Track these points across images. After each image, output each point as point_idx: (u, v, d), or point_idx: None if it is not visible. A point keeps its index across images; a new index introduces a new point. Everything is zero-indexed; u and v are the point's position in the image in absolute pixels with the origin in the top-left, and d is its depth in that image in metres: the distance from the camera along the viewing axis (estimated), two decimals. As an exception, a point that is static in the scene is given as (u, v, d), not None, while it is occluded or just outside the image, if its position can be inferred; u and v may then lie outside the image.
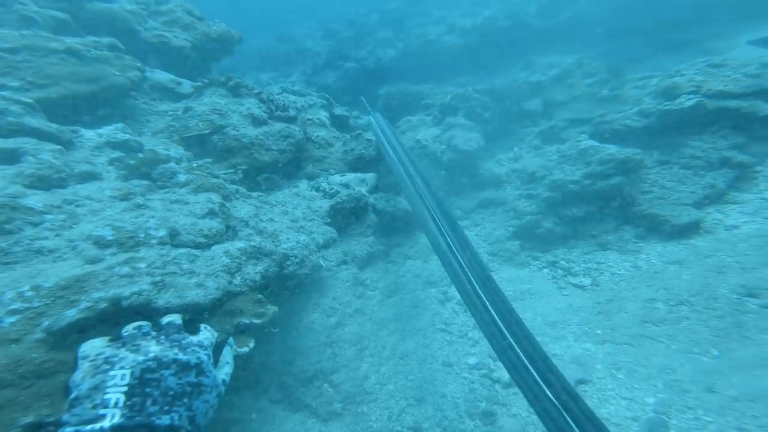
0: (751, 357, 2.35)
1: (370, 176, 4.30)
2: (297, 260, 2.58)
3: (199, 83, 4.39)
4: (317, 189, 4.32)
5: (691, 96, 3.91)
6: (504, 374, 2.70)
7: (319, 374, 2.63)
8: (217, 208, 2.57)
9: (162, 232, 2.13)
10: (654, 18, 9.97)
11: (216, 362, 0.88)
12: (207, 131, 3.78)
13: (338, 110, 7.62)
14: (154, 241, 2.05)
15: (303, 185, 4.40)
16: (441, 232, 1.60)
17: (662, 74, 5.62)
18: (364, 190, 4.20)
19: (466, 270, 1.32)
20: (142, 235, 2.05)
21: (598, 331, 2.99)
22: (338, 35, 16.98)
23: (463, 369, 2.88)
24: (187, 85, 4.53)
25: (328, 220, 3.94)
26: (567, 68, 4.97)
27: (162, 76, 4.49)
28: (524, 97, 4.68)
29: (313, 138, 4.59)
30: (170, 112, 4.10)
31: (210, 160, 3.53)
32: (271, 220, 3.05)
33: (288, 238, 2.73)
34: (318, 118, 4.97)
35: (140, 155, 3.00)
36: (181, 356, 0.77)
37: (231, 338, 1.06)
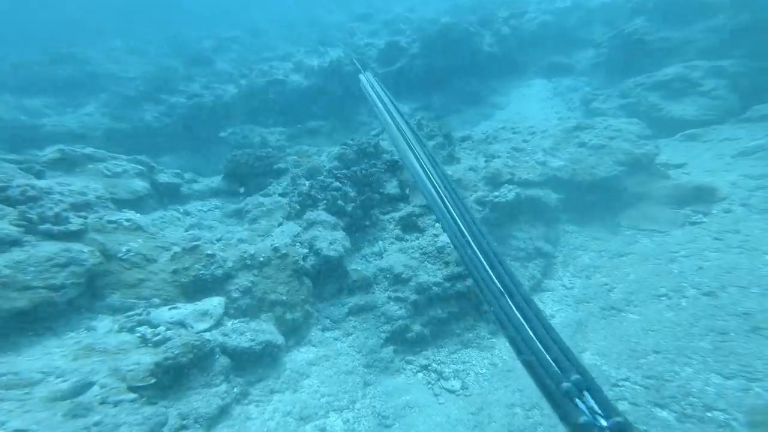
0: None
1: (215, 304, 3.36)
2: None
3: None
4: (131, 331, 3.09)
5: (510, 187, 4.65)
6: None
7: None
8: None
9: None
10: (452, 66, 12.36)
11: None
12: None
13: (164, 176, 6.10)
14: None
15: (103, 327, 3.07)
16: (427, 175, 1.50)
17: (477, 138, 6.79)
18: (207, 325, 3.24)
19: (447, 203, 1.25)
20: None
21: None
22: (161, 61, 14.25)
23: None
24: None
25: (152, 381, 2.85)
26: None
27: None
28: (384, 181, 4.67)
29: (120, 254, 3.30)
30: None
31: None
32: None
33: None
34: (127, 220, 3.65)
35: None
36: None
37: None
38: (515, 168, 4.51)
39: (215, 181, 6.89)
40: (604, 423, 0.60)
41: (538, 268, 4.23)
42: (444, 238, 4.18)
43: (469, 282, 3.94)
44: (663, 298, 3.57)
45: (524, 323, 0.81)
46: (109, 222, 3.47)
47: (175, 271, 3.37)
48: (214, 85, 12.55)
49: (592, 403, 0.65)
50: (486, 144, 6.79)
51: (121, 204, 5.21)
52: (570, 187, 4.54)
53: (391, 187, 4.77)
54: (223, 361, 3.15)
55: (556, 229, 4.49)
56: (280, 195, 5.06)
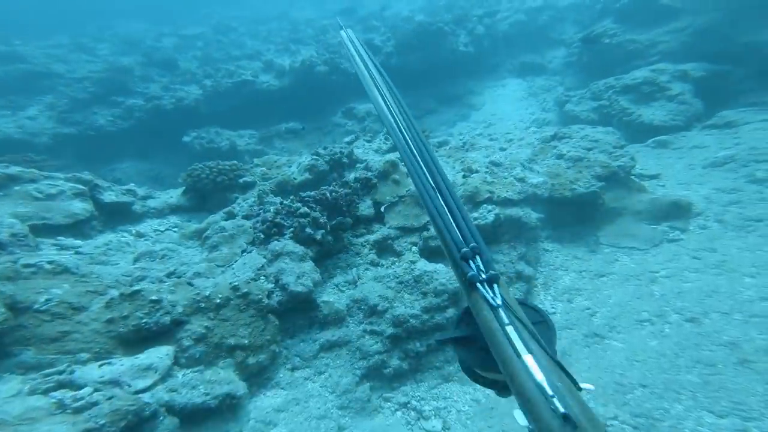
0: None
1: (161, 355, 2.93)
2: None
3: None
4: (45, 394, 2.61)
5: (490, 207, 4.44)
6: None
7: None
8: None
9: None
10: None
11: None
12: None
13: (110, 195, 5.47)
14: None
15: (7, 389, 2.58)
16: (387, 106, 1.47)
17: (455, 144, 6.63)
18: (150, 382, 2.81)
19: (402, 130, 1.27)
20: None
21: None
22: (115, 60, 13.13)
23: None
24: None
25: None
26: (391, 161, 4.98)
27: None
28: (357, 203, 4.34)
29: (37, 305, 2.79)
30: None
31: None
32: None
33: None
34: (50, 262, 3.12)
35: None
36: None
37: None
38: (494, 185, 4.30)
39: (174, 195, 6.32)
40: (483, 276, 0.82)
41: (519, 293, 4.04)
42: (421, 265, 3.91)
43: (449, 313, 3.70)
44: (646, 324, 3.46)
45: (447, 212, 0.96)
46: (26, 266, 2.94)
47: (110, 321, 2.91)
48: (176, 87, 11.69)
49: (479, 263, 0.86)
50: (463, 151, 6.58)
51: (56, 231, 4.61)
52: (549, 204, 4.38)
53: (365, 207, 4.44)
54: (169, 423, 2.74)
55: (536, 248, 4.33)
56: (244, 217, 4.61)
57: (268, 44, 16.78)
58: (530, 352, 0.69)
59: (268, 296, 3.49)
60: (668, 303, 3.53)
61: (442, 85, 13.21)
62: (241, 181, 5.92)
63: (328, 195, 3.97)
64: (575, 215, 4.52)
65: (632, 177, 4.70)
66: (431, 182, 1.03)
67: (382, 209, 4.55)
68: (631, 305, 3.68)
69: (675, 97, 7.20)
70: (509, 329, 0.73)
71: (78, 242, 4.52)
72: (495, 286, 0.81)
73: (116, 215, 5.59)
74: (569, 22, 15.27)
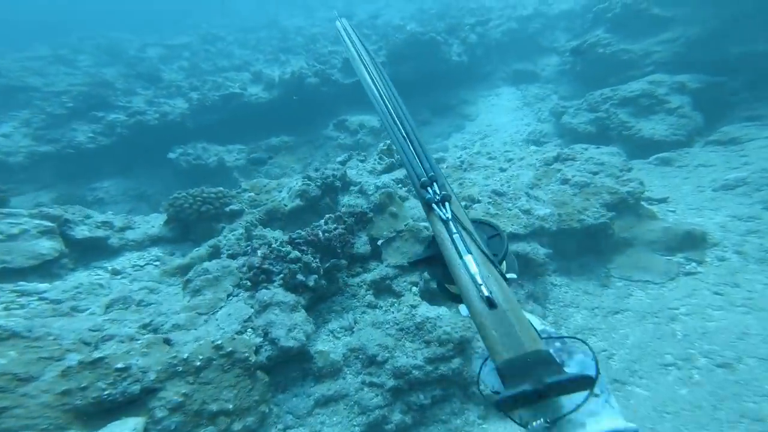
0: None
1: (128, 429, 2.55)
2: None
3: None
4: None
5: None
6: None
7: None
8: None
9: None
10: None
11: None
12: None
13: (82, 230, 5.04)
14: None
15: None
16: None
17: (452, 163, 6.35)
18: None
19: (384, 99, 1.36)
20: None
21: None
22: (97, 72, 12.63)
23: None
24: None
25: None
26: (387, 193, 4.66)
27: None
28: (352, 242, 4.01)
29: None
30: None
31: None
32: None
33: None
34: None
35: None
36: None
37: None
38: (498, 218, 4.02)
39: (156, 225, 5.92)
40: (438, 198, 0.96)
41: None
42: (423, 310, 3.59)
43: (454, 363, 3.38)
44: (671, 369, 3.19)
45: (413, 152, 1.10)
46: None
47: (66, 392, 2.53)
48: (160, 100, 11.24)
49: (436, 188, 0.99)
50: (461, 171, 6.31)
51: (20, 274, 4.20)
52: (557, 236, 4.10)
53: (361, 244, 4.11)
54: None
55: (544, 283, 4.05)
56: (229, 256, 4.24)
57: (257, 54, 16.40)
58: (470, 252, 0.82)
59: (256, 352, 3.13)
60: (693, 345, 3.27)
61: (435, 94, 12.99)
62: (227, 209, 5.53)
63: (320, 236, 3.63)
64: (583, 245, 4.25)
65: (642, 203, 4.47)
66: (402, 132, 1.16)
67: (379, 243, 4.23)
68: (651, 347, 3.41)
69: (675, 110, 7.05)
70: (456, 237, 0.86)
71: (43, 286, 4.11)
72: (447, 204, 0.94)
73: (90, 251, 5.18)
74: (560, 30, 15.24)
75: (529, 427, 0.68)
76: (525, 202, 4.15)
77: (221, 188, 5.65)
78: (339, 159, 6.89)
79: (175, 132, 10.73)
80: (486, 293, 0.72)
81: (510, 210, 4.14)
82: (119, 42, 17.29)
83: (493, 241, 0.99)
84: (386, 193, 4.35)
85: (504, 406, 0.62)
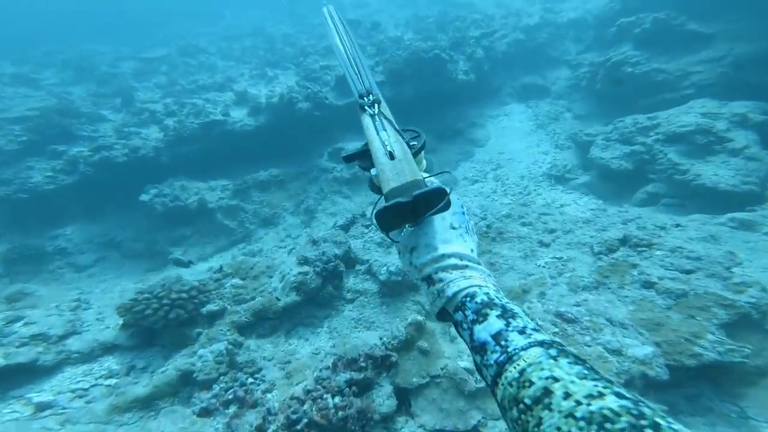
0: None
1: None
2: None
3: None
4: None
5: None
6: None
7: None
8: None
9: None
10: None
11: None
12: None
13: None
14: None
15: None
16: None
17: (477, 229, 5.19)
18: None
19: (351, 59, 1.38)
20: None
21: None
22: (61, 92, 11.12)
23: None
24: None
25: None
26: (416, 323, 3.42)
27: None
28: (373, 398, 2.77)
29: None
30: None
31: None
32: None
33: None
34: None
35: None
36: None
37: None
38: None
39: (111, 325, 4.63)
40: (369, 101, 1.12)
41: None
42: None
43: None
44: None
45: (355, 68, 1.25)
46: None
47: None
48: (131, 129, 9.84)
49: (371, 99, 1.13)
50: (489, 240, 5.08)
51: None
52: (664, 382, 2.92)
53: (382, 399, 2.88)
54: None
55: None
56: (203, 384, 2.97)
57: (242, 66, 15.00)
58: (385, 130, 1.02)
59: None
60: None
61: (439, 115, 11.80)
62: (204, 310, 4.25)
63: (331, 417, 2.39)
64: (692, 375, 3.08)
65: None
66: (353, 64, 1.26)
67: (408, 395, 3.00)
68: None
69: (740, 150, 5.93)
70: (378, 124, 1.04)
71: None
72: (376, 105, 1.11)
73: (15, 375, 3.87)
74: (570, 40, 14.17)
75: (400, 237, 0.94)
76: (611, 337, 2.94)
77: (196, 284, 4.34)
78: (339, 222, 5.64)
79: (148, 167, 9.36)
80: (389, 149, 0.94)
81: (588, 346, 2.93)
82: (91, 55, 15.74)
83: (415, 139, 1.11)
84: (414, 323, 3.11)
85: (381, 220, 0.83)
